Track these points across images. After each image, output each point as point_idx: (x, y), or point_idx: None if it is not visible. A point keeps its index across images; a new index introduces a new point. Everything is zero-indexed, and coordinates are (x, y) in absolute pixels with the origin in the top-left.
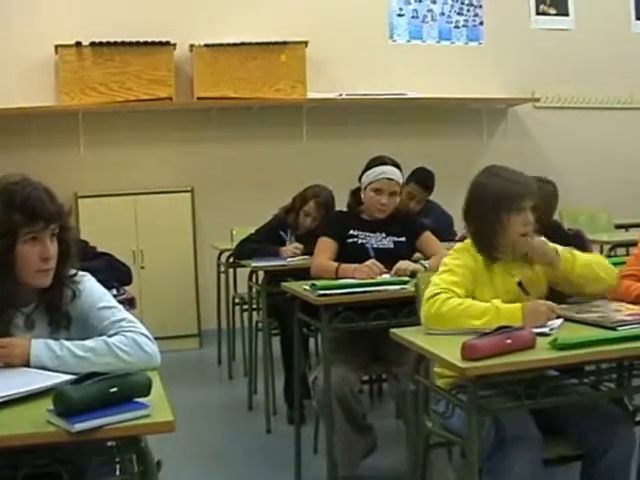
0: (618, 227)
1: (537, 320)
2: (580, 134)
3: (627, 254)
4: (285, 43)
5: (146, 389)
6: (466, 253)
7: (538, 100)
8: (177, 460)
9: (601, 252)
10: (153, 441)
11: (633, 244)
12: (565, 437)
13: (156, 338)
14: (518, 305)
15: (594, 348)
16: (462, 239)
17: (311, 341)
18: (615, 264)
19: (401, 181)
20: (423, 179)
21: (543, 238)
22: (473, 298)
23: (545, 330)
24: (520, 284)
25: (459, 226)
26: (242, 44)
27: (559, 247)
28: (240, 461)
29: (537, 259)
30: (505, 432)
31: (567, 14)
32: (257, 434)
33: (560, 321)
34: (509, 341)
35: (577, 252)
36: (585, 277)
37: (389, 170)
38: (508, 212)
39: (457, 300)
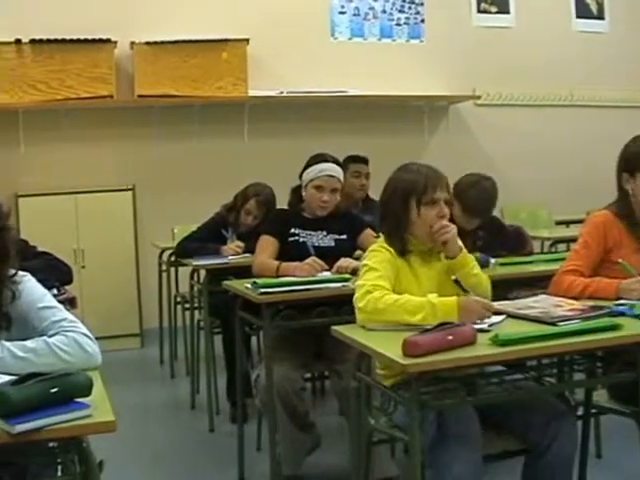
0: (559, 223)
1: (472, 316)
2: (521, 131)
3: (567, 250)
4: (226, 40)
5: (87, 389)
6: (381, 250)
7: (479, 97)
8: (119, 460)
9: (542, 248)
10: (95, 441)
11: (573, 240)
12: (508, 432)
13: (97, 338)
14: (453, 300)
15: (535, 344)
16: None
17: (253, 339)
18: (556, 260)
19: (342, 178)
20: (356, 156)
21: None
22: (398, 291)
23: (484, 326)
24: (456, 281)
25: None
26: (183, 41)
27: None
28: (183, 460)
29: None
30: (447, 428)
31: (508, 12)
32: (200, 433)
33: (501, 317)
34: (450, 337)
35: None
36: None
37: (330, 167)
38: (418, 205)
39: (393, 296)
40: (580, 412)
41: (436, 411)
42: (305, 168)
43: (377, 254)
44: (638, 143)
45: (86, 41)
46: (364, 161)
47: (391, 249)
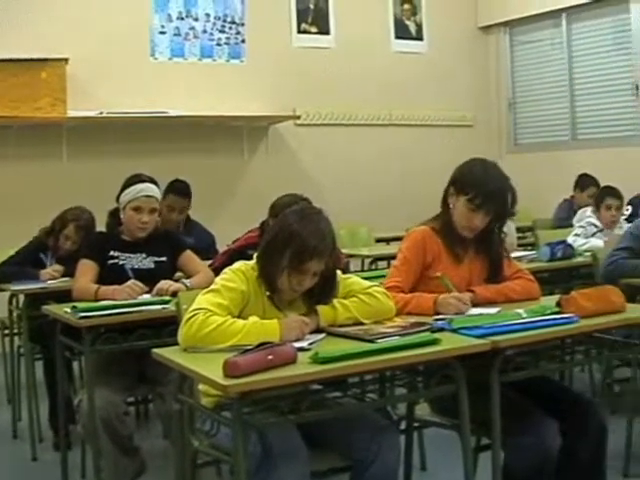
0: (379, 241)
1: (291, 334)
2: (341, 151)
3: (388, 267)
4: (45, 60)
5: None
6: (241, 275)
7: (299, 117)
8: None
9: (362, 266)
10: None
11: (393, 257)
12: (333, 449)
13: None
14: (274, 321)
15: (354, 361)
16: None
17: (75, 364)
18: (376, 277)
19: (159, 197)
20: (179, 188)
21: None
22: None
23: (305, 345)
24: (270, 297)
25: (221, 244)
26: (1, 61)
27: (322, 306)
28: None
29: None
30: (271, 447)
31: (328, 33)
32: (22, 462)
33: (321, 335)
34: (270, 357)
35: (342, 304)
36: (353, 321)
37: (147, 187)
38: (289, 265)
39: (216, 319)
40: (403, 426)
41: (259, 431)
42: (122, 190)
43: (233, 278)
44: (477, 164)
45: None
46: (182, 194)
47: (252, 279)
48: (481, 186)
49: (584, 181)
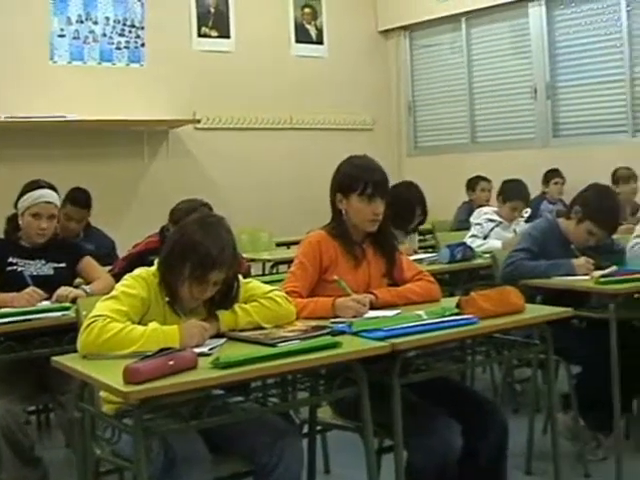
0: (279, 245)
1: (192, 339)
2: (242, 155)
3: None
4: None
5: None
6: (142, 282)
7: (199, 121)
8: None
9: (263, 270)
10: None
11: (294, 261)
12: (236, 454)
13: None
14: (175, 327)
15: (255, 365)
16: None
17: None
18: (277, 281)
19: (58, 203)
20: (77, 198)
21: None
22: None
23: (205, 350)
24: (169, 302)
25: (122, 249)
26: None
27: (222, 311)
28: None
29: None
30: (174, 453)
31: (228, 36)
32: None
33: (222, 340)
34: (171, 362)
35: (243, 308)
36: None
37: (46, 193)
38: (191, 275)
39: (116, 325)
40: (306, 429)
41: (161, 437)
42: (20, 196)
43: (134, 285)
44: (351, 161)
45: None
46: (81, 205)
47: (153, 285)
48: (366, 176)
49: (472, 182)
